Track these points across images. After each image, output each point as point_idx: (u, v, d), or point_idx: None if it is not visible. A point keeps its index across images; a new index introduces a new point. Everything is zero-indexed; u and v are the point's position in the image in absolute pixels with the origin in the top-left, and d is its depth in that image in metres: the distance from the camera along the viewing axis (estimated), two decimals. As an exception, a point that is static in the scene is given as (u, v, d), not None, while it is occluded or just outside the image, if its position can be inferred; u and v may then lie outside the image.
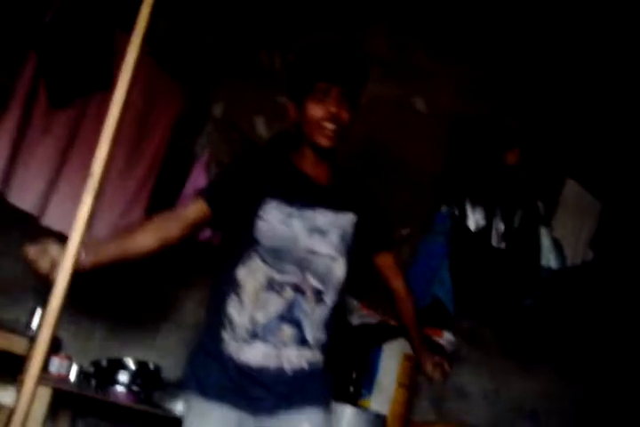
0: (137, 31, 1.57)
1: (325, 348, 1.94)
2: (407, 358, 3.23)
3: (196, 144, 3.41)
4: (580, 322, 3.76)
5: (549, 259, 3.69)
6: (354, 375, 3.19)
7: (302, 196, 1.91)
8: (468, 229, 3.67)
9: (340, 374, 3.29)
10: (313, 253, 1.89)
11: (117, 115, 1.53)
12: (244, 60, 3.64)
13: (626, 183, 3.98)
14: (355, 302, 3.27)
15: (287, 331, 1.86)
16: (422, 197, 3.79)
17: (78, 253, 1.53)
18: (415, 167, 3.86)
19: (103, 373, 3.05)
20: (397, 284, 2.19)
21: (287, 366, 1.87)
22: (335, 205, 1.95)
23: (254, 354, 1.85)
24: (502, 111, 3.96)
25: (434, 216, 3.68)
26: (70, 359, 3.04)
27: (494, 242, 3.68)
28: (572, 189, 3.92)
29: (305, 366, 1.89)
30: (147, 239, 1.82)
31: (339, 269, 1.94)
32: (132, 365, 3.08)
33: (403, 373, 3.23)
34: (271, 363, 1.86)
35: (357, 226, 1.99)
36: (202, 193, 1.92)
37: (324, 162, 1.98)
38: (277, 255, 1.87)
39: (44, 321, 1.59)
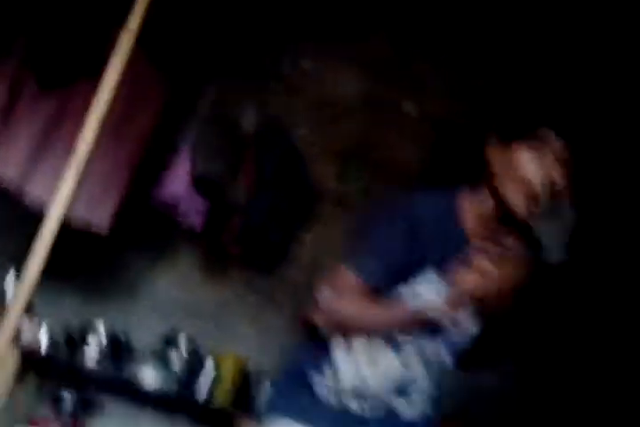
0: (132, 20, 1.64)
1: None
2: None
3: (183, 131, 3.47)
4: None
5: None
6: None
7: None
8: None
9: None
10: None
11: (105, 99, 1.61)
12: (235, 56, 3.69)
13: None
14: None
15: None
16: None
17: (57, 228, 1.61)
18: (400, 167, 3.91)
19: (73, 339, 3.10)
20: None
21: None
22: None
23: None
24: (491, 118, 3.99)
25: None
26: (41, 324, 3.08)
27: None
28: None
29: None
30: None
31: None
32: (102, 332, 3.14)
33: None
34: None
35: None
36: (354, 268, 1.52)
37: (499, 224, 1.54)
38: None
39: (19, 287, 1.68)
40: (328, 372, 1.54)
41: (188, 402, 3.20)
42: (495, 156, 1.52)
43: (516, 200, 1.46)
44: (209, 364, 3.23)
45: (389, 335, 1.51)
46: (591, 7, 3.67)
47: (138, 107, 3.08)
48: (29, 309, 3.14)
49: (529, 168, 1.45)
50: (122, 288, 3.51)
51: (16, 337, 2.30)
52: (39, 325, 3.09)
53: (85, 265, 3.46)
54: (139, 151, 3.14)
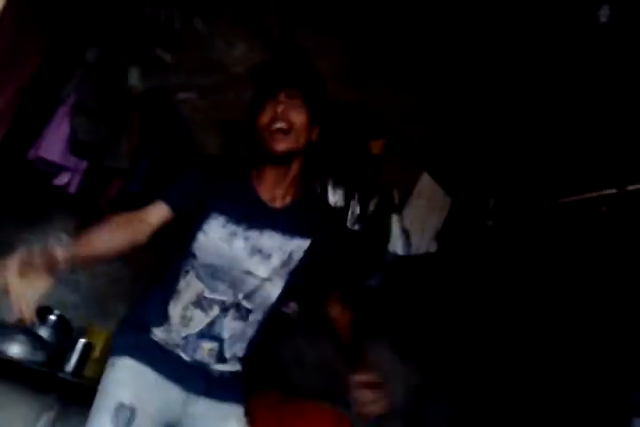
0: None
1: (245, 360, 1.97)
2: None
3: (63, 87, 3.24)
4: (419, 306, 3.96)
5: (396, 245, 3.85)
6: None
7: (251, 217, 1.87)
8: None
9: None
10: (249, 273, 1.88)
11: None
12: (126, 7, 3.50)
13: (476, 184, 4.20)
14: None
15: (206, 347, 1.88)
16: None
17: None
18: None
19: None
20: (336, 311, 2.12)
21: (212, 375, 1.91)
22: (286, 230, 1.91)
23: (184, 355, 1.88)
24: (373, 99, 4.05)
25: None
26: None
27: (349, 223, 3.79)
28: (426, 182, 4.10)
29: (227, 375, 1.93)
30: (116, 242, 1.75)
31: (273, 291, 1.92)
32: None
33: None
34: (202, 360, 1.90)
35: (308, 251, 1.95)
36: (164, 197, 1.85)
37: (287, 181, 1.92)
38: (213, 273, 1.86)
39: None
40: (163, 325, 1.86)
41: (56, 375, 3.01)
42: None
43: (269, 143, 1.85)
44: (80, 339, 3.09)
45: (200, 301, 1.85)
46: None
47: (18, 57, 2.85)
48: None
49: (262, 117, 1.87)
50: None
51: None
52: None
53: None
54: (16, 102, 2.89)
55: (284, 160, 1.89)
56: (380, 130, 4.04)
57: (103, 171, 3.18)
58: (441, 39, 3.93)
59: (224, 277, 1.86)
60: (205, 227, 1.85)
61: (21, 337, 2.79)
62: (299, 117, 1.87)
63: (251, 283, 1.88)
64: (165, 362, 1.86)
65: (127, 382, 1.80)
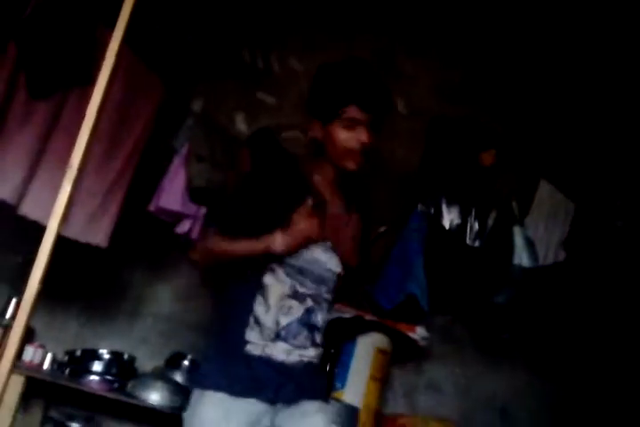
0: (118, 26, 1.59)
1: (323, 346, 2.12)
2: (380, 351, 3.28)
3: (175, 139, 3.42)
4: (552, 319, 3.83)
5: (522, 258, 3.74)
6: (327, 368, 3.23)
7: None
8: (443, 227, 3.72)
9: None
10: (329, 270, 2.06)
11: (98, 107, 1.55)
12: (225, 56, 3.65)
13: (599, 186, 4.04)
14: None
15: (305, 334, 2.01)
16: (399, 196, 3.84)
17: (56, 242, 1.55)
18: (393, 166, 3.90)
19: (77, 362, 3.06)
20: None
21: (304, 360, 2.02)
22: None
23: (278, 350, 1.97)
24: (479, 112, 4.01)
25: (410, 214, 3.73)
26: (44, 348, 3.05)
27: (468, 240, 3.73)
28: (545, 189, 3.98)
29: (314, 361, 2.06)
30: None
31: (337, 281, 2.11)
32: (105, 354, 3.10)
33: (376, 366, 3.27)
34: (289, 358, 1.99)
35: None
36: (222, 230, 2.00)
37: (339, 183, 2.10)
38: (300, 273, 2.01)
39: (19, 309, 1.61)
40: (253, 326, 1.95)
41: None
42: (319, 132, 2.03)
43: (345, 162, 2.01)
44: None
45: (295, 293, 1.98)
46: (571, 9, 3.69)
47: (132, 113, 3.02)
48: (30, 333, 3.12)
49: (346, 138, 1.99)
50: (123, 306, 3.44)
51: (18, 361, 2.24)
52: (42, 349, 3.04)
53: (85, 285, 3.40)
54: (134, 160, 3.07)
55: (345, 175, 2.09)
56: (490, 141, 3.97)
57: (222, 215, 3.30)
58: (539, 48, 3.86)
59: (311, 275, 2.02)
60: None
61: (159, 384, 2.90)
62: (373, 146, 2.04)
63: (330, 278, 2.07)
64: (255, 381, 1.93)
65: (219, 422, 1.87)
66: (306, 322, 2.01)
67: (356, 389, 3.22)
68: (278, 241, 1.91)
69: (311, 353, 2.03)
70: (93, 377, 3.00)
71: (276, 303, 1.97)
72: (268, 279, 1.99)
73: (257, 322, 1.96)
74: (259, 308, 1.97)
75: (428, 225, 3.68)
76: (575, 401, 3.85)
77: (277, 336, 1.97)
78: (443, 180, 3.81)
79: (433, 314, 3.68)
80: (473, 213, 3.78)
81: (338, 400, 2.99)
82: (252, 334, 1.96)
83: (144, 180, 3.17)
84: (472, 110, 3.98)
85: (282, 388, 1.95)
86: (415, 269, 3.61)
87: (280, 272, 1.99)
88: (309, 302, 2.02)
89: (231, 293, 2.05)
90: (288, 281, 1.99)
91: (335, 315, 3.24)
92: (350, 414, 2.99)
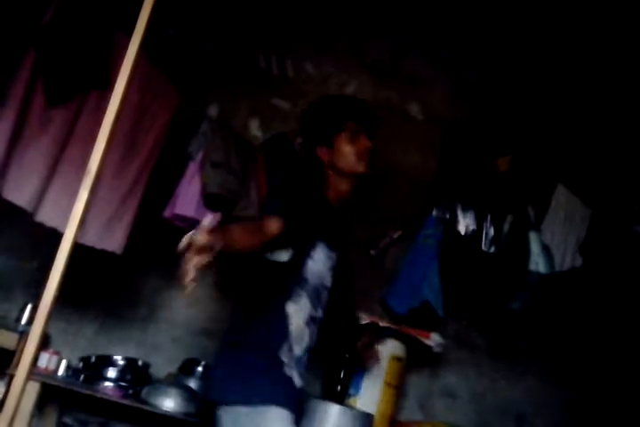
0: (136, 32, 1.59)
1: None
2: (395, 358, 3.26)
3: (190, 144, 3.41)
4: (568, 326, 3.79)
5: (538, 264, 3.71)
6: (341, 374, 3.22)
7: (335, 240, 2.22)
8: (458, 232, 3.70)
9: (329, 373, 3.32)
10: (326, 288, 2.19)
11: (115, 113, 1.55)
12: (240, 62, 3.66)
13: (616, 190, 4.01)
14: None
15: (304, 361, 2.14)
16: (414, 201, 3.82)
17: (72, 249, 1.55)
18: (408, 171, 3.89)
19: (91, 368, 3.06)
20: None
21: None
22: (338, 245, 2.25)
23: (296, 378, 2.08)
24: (495, 118, 3.99)
25: (425, 219, 3.71)
26: (59, 355, 3.05)
27: (484, 246, 3.71)
28: (562, 195, 3.94)
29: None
30: (251, 242, 1.97)
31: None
32: (120, 361, 3.10)
33: (390, 372, 3.25)
34: (300, 384, 2.11)
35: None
36: (280, 213, 2.06)
37: (349, 193, 2.32)
38: (316, 293, 2.13)
39: (35, 316, 1.61)
40: (286, 351, 2.03)
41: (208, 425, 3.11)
42: (327, 155, 2.28)
43: (357, 167, 2.25)
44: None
45: (310, 320, 2.08)
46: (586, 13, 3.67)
47: (148, 119, 3.02)
48: (46, 339, 3.13)
49: (353, 147, 2.26)
50: (138, 313, 3.44)
51: (34, 369, 2.24)
52: (57, 355, 3.04)
53: (99, 291, 3.40)
54: (150, 166, 3.07)
55: (358, 180, 2.30)
56: (506, 146, 3.95)
57: (235, 220, 3.29)
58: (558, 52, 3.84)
59: (320, 295, 2.14)
60: (312, 253, 2.13)
61: (173, 391, 2.89)
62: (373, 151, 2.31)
63: (325, 295, 2.18)
64: (294, 398, 2.05)
65: None
66: (308, 348, 2.13)
67: (370, 395, 3.20)
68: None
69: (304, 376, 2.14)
70: (108, 383, 3.00)
71: (294, 334, 2.08)
72: (290, 308, 2.08)
73: (289, 349, 2.06)
74: (289, 336, 2.07)
75: (444, 230, 3.66)
76: (592, 408, 3.80)
77: (291, 366, 2.07)
78: (458, 185, 3.79)
79: (448, 320, 3.66)
80: (488, 219, 3.76)
81: (352, 407, 2.97)
82: (285, 355, 2.06)
83: (159, 186, 3.16)
84: (488, 116, 3.96)
85: (299, 404, 2.09)
86: (430, 274, 3.59)
87: (305, 297, 2.10)
88: (313, 327, 2.13)
89: (258, 321, 2.10)
90: (308, 307, 2.10)
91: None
92: (365, 421, 2.96)
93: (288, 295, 2.07)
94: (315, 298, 2.11)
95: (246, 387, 1.95)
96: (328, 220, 2.20)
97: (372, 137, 2.32)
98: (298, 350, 2.06)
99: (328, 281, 2.18)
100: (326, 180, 2.29)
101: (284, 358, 2.03)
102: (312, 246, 2.13)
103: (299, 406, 2.08)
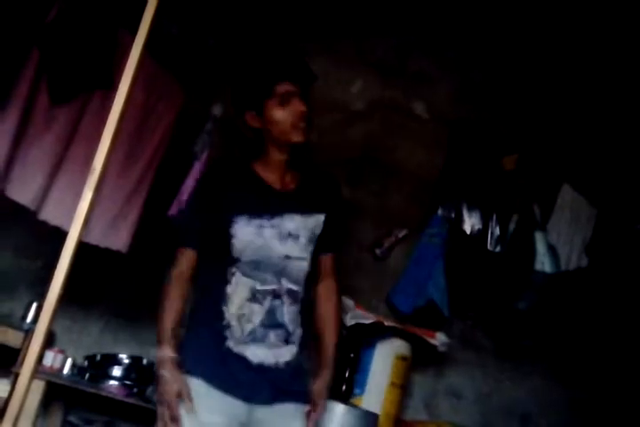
0: (140, 30, 1.59)
1: (304, 341, 2.07)
2: (400, 357, 3.26)
3: (195, 144, 3.41)
4: (574, 326, 3.78)
5: (544, 263, 3.71)
6: (346, 374, 3.21)
7: (269, 205, 2.04)
8: (464, 232, 3.69)
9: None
10: (288, 257, 2.03)
11: (119, 112, 1.55)
12: (245, 60, 3.65)
13: (622, 190, 4.00)
14: (350, 302, 3.29)
15: (272, 335, 2.01)
16: (419, 200, 3.82)
17: (77, 249, 1.55)
18: (413, 170, 3.89)
19: (96, 367, 3.07)
20: (328, 307, 2.18)
21: (280, 361, 2.00)
22: (303, 209, 2.07)
23: (252, 354, 1.98)
24: (501, 116, 3.98)
25: (430, 218, 3.71)
26: (64, 353, 3.06)
27: (489, 245, 3.70)
28: (567, 194, 3.93)
29: (292, 360, 2.02)
30: (181, 306, 2.03)
31: (307, 268, 2.07)
32: (125, 359, 3.10)
33: (395, 372, 3.25)
34: (267, 360, 1.99)
35: (324, 225, 2.11)
36: (188, 244, 2.06)
37: (289, 164, 2.10)
38: (257, 266, 2.01)
39: (40, 315, 1.61)
40: (227, 330, 1.97)
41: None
42: (256, 121, 2.05)
43: (292, 136, 2.02)
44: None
45: (254, 295, 1.99)
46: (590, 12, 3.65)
47: (153, 118, 3.03)
48: (51, 338, 3.13)
49: (285, 113, 2.02)
50: (142, 311, 3.44)
51: (39, 367, 2.24)
52: (63, 353, 3.04)
53: (104, 290, 3.41)
54: (154, 165, 3.07)
55: (295, 149, 2.08)
56: (512, 145, 3.94)
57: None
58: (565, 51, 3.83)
59: (268, 267, 2.01)
60: (233, 232, 2.00)
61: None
62: (308, 114, 2.07)
63: (291, 266, 2.03)
64: (231, 377, 1.96)
65: (198, 405, 1.92)
66: (270, 324, 2.00)
67: (375, 395, 3.19)
68: (158, 359, 1.97)
69: (286, 353, 2.02)
70: (113, 382, 3.00)
71: (235, 313, 1.99)
72: (228, 288, 2.01)
73: (229, 327, 1.99)
74: (228, 317, 2.00)
75: (449, 230, 3.65)
76: (597, 407, 3.79)
77: (248, 341, 1.99)
78: (464, 184, 3.78)
79: (453, 320, 3.65)
80: (494, 218, 3.75)
81: (356, 407, 2.97)
82: (227, 334, 1.99)
83: (164, 184, 3.16)
84: (493, 114, 3.95)
85: (257, 388, 1.97)
86: (435, 274, 3.59)
87: (238, 274, 2.01)
88: (269, 302, 2.01)
89: (203, 296, 2.08)
90: (247, 283, 2.00)
91: (354, 320, 3.23)
92: (369, 420, 2.96)
93: (225, 279, 2.01)
94: (255, 272, 2.00)
95: (182, 359, 1.99)
96: (251, 194, 2.04)
97: (306, 98, 2.06)
98: (248, 327, 1.98)
99: (290, 250, 2.02)
100: (260, 150, 2.08)
101: (227, 334, 1.98)
102: (229, 225, 2.00)
103: (254, 379, 1.97)
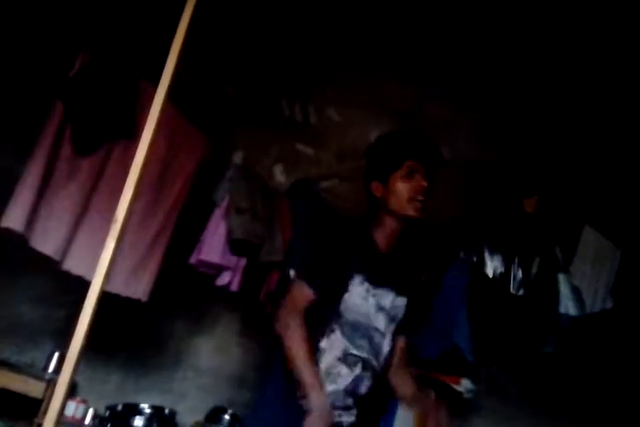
0: (162, 81, 1.62)
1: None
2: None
3: (215, 191, 3.43)
4: (600, 370, 3.70)
5: (568, 306, 3.65)
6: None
7: (376, 274, 2.10)
8: (486, 275, 3.66)
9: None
10: (376, 330, 2.08)
11: (142, 161, 1.57)
12: (264, 109, 3.70)
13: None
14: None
15: (348, 401, 2.04)
16: (441, 244, 3.79)
17: (100, 297, 1.55)
18: (434, 214, 3.87)
19: (118, 417, 3.04)
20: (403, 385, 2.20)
21: (345, 423, 2.04)
22: (397, 288, 2.14)
23: None
24: (520, 158, 3.98)
25: (452, 263, 3.68)
26: (86, 403, 3.03)
27: (512, 289, 3.65)
28: (590, 235, 3.90)
29: (354, 422, 2.07)
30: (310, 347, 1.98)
31: (387, 347, 2.12)
32: (147, 409, 3.07)
33: (420, 422, 3.18)
34: (339, 418, 2.01)
35: (407, 308, 2.17)
36: (306, 279, 2.05)
37: (399, 233, 2.17)
38: (355, 329, 2.05)
39: (63, 365, 1.61)
40: None
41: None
42: (380, 191, 2.15)
43: (409, 210, 2.11)
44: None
45: (346, 357, 2.01)
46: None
47: (174, 167, 3.06)
48: (73, 387, 3.11)
49: (407, 187, 2.11)
50: (164, 360, 3.43)
51: (61, 417, 2.22)
52: (85, 403, 3.02)
53: (125, 338, 3.39)
54: (175, 214, 3.09)
55: (412, 222, 2.16)
56: (532, 187, 3.93)
57: (261, 266, 3.29)
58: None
59: (364, 334, 2.05)
60: (350, 287, 2.04)
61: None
62: (429, 193, 2.15)
63: (377, 339, 2.08)
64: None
65: None
66: (352, 392, 2.03)
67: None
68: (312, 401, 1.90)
69: (352, 417, 2.05)
70: (135, 432, 2.97)
71: (325, 370, 2.00)
72: (324, 343, 2.02)
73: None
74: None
75: (471, 273, 3.62)
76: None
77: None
78: (485, 227, 3.76)
79: (478, 365, 3.59)
80: (516, 261, 3.71)
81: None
82: None
83: (185, 232, 3.18)
84: (513, 157, 3.95)
85: None
86: (459, 318, 3.54)
87: (337, 332, 2.03)
88: (358, 369, 2.03)
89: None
90: (342, 343, 2.02)
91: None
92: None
93: (322, 332, 2.02)
94: (353, 334, 2.03)
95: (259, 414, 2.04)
96: (368, 257, 2.10)
97: (430, 178, 2.15)
98: (331, 388, 1.98)
99: (379, 324, 2.07)
100: (377, 217, 2.17)
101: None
102: (348, 278, 2.04)
103: None
